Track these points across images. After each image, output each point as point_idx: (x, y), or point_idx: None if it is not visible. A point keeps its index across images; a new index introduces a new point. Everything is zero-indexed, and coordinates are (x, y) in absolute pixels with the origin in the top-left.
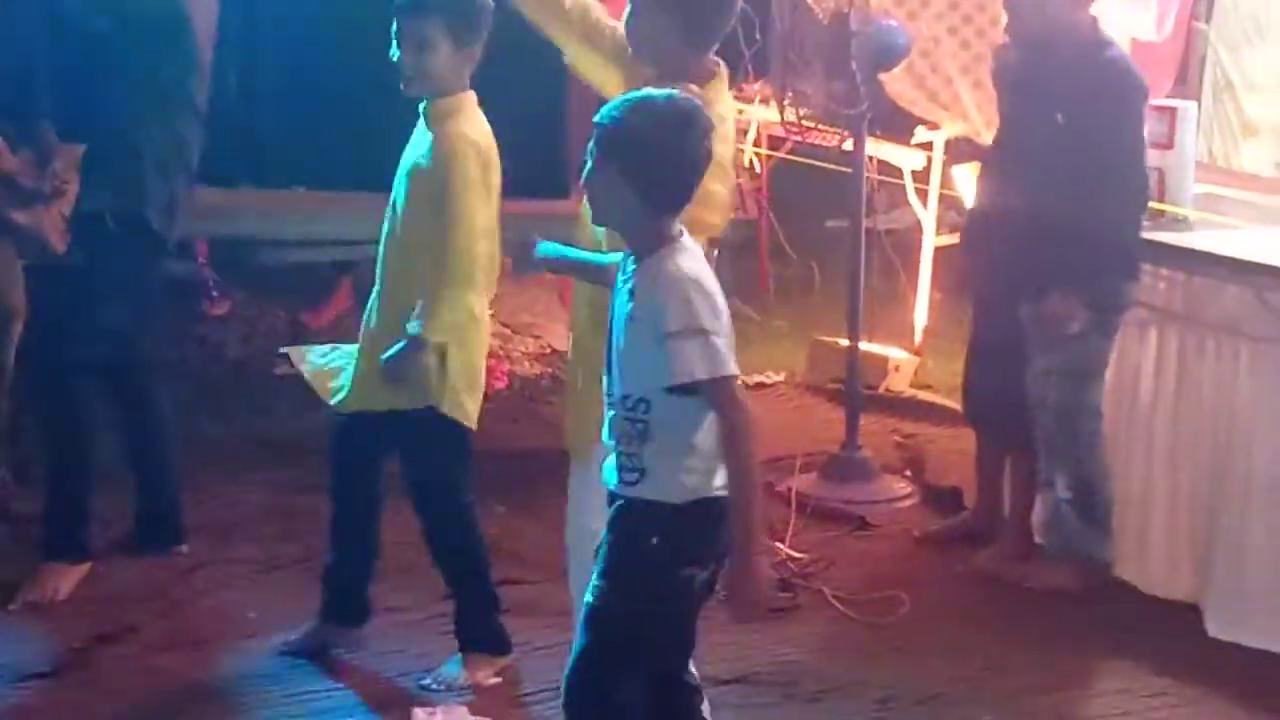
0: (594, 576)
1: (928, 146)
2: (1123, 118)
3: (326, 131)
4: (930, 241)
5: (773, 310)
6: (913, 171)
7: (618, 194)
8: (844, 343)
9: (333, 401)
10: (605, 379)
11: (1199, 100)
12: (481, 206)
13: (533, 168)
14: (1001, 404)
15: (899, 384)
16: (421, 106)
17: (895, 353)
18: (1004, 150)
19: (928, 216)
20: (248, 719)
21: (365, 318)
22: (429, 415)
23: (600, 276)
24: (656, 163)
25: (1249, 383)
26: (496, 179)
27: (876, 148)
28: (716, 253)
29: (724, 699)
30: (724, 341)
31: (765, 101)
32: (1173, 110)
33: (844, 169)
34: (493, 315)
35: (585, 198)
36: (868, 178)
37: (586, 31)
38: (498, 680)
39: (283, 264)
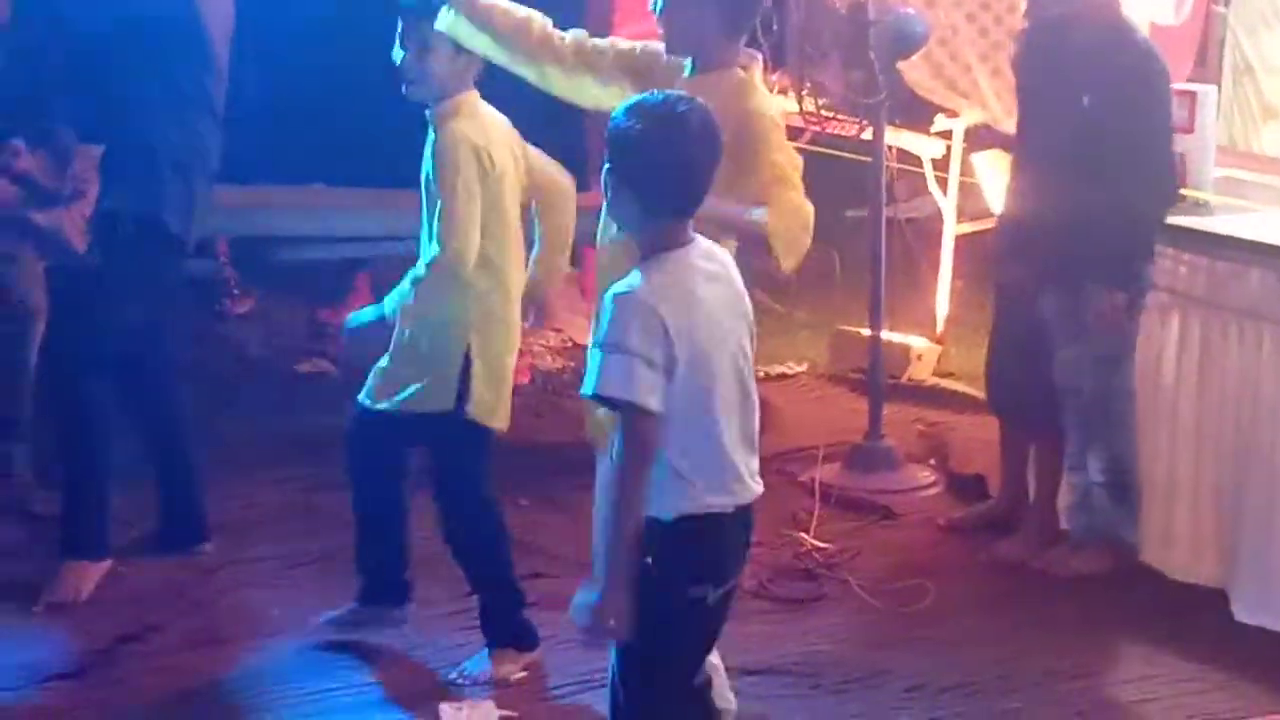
0: None
1: (947, 135)
2: (1150, 101)
3: (345, 129)
4: (951, 229)
5: (794, 300)
6: (932, 159)
7: (621, 197)
8: (866, 332)
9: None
10: None
11: (1219, 84)
12: (477, 208)
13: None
14: (1026, 391)
15: (922, 373)
16: (428, 111)
17: (917, 341)
18: (1029, 138)
19: (948, 204)
20: (273, 717)
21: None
22: (454, 416)
23: None
24: (645, 165)
25: (1272, 366)
26: (513, 174)
27: (895, 136)
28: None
29: (751, 690)
30: (648, 368)
31: (784, 92)
32: (1193, 94)
33: (863, 158)
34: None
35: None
36: (887, 166)
37: (585, 59)
38: (524, 675)
39: (303, 261)
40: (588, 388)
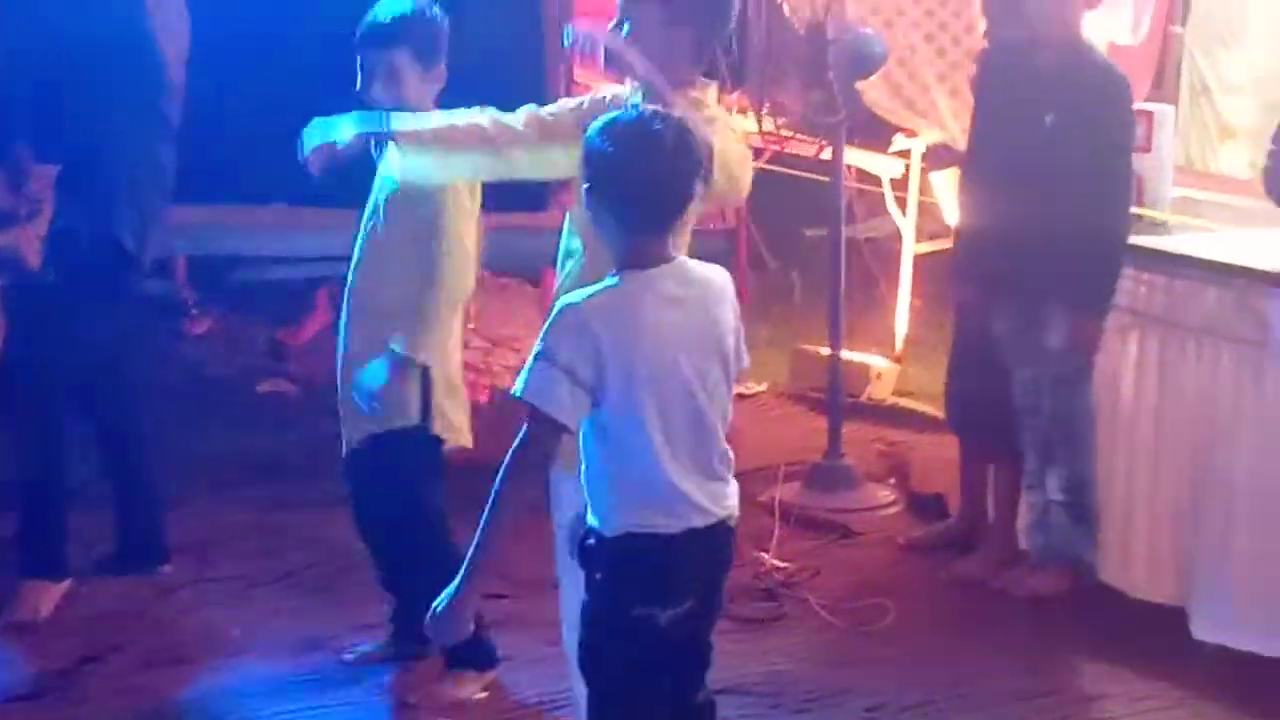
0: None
1: (905, 154)
2: (1113, 118)
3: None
4: (910, 249)
5: (753, 319)
6: (891, 179)
7: (599, 215)
8: (825, 351)
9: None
10: None
11: (1176, 104)
12: (471, 229)
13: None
14: (985, 411)
15: (881, 392)
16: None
17: (877, 361)
18: (987, 157)
19: (907, 224)
20: None
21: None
22: (415, 435)
23: None
24: (621, 183)
25: (1230, 385)
26: (477, 196)
27: (854, 156)
28: None
29: None
30: (571, 383)
31: (743, 111)
32: (1150, 114)
33: (822, 178)
34: (474, 330)
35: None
36: (846, 186)
37: (547, 132)
38: (484, 695)
39: (261, 281)
40: (516, 389)
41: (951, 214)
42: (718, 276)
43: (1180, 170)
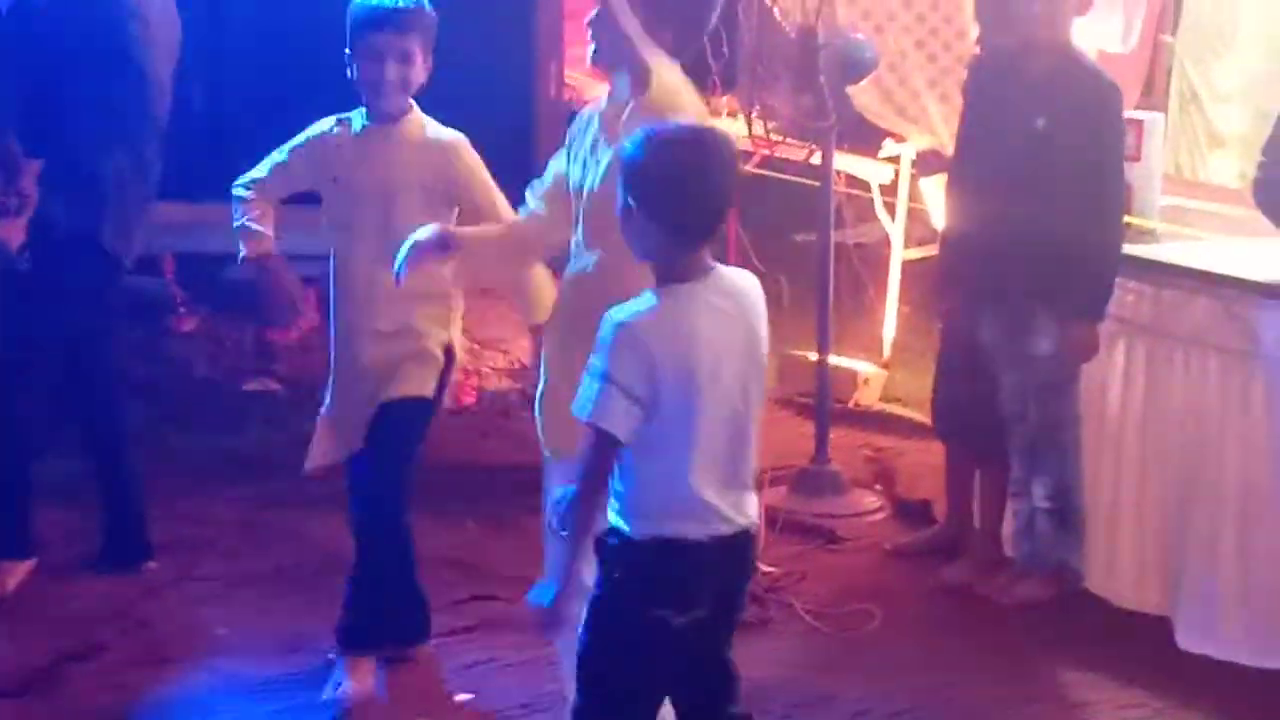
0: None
1: (895, 160)
2: (1103, 124)
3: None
4: (898, 255)
5: None
6: (880, 185)
7: (645, 229)
8: (813, 357)
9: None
10: None
11: (1165, 112)
12: None
13: (502, 178)
14: (972, 418)
15: (868, 398)
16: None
17: (864, 366)
18: (975, 163)
19: (896, 230)
20: None
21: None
22: (427, 404)
23: None
24: (672, 196)
25: (1218, 394)
26: None
27: (844, 161)
28: None
29: None
30: (628, 399)
31: (733, 115)
32: (1140, 122)
33: (812, 182)
34: (463, 331)
35: None
36: (835, 191)
37: (556, 208)
38: (470, 696)
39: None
40: (581, 411)
41: (940, 218)
42: (752, 286)
43: (1169, 179)
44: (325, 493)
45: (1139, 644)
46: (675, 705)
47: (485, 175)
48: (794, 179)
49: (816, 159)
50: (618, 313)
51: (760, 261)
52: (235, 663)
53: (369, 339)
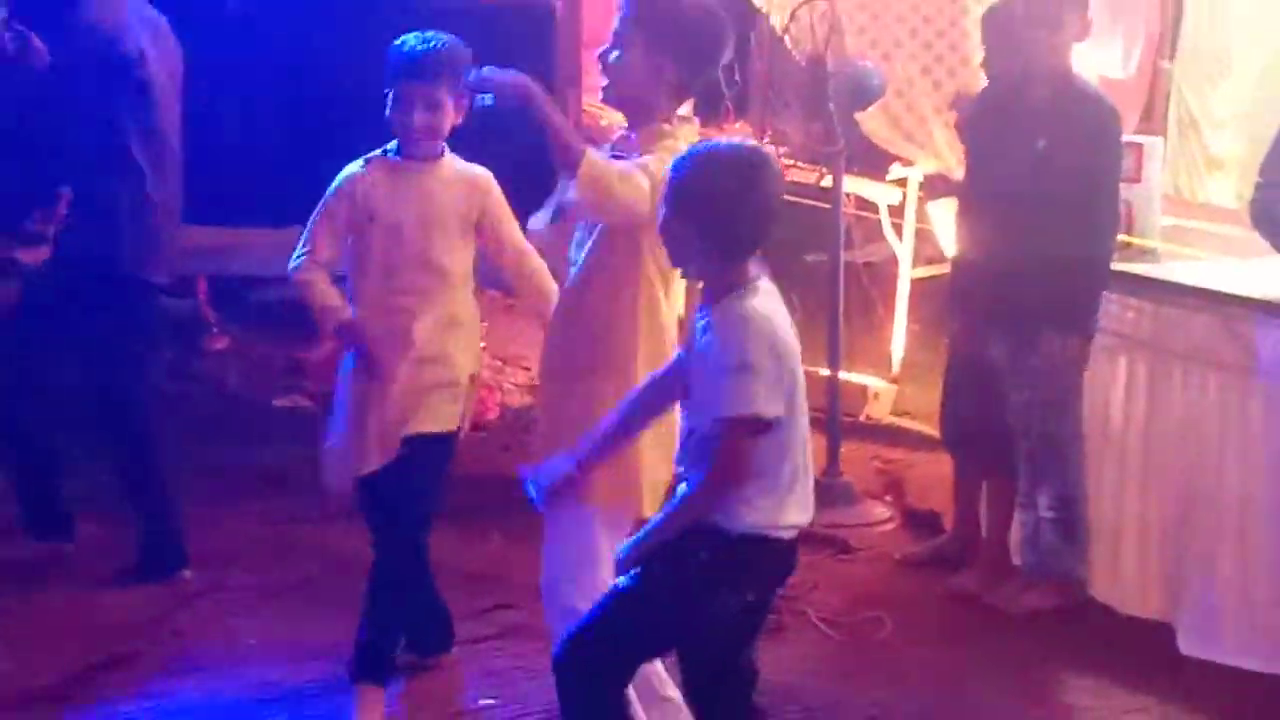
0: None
1: (903, 183)
2: (1102, 143)
3: (318, 176)
4: (906, 274)
5: None
6: (888, 206)
7: (693, 244)
8: (824, 372)
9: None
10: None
11: (1164, 136)
12: None
13: (525, 196)
14: (979, 431)
15: (878, 411)
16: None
17: (874, 381)
18: (986, 188)
19: (903, 250)
20: None
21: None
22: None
23: None
24: (728, 214)
25: (1217, 409)
26: None
27: (853, 184)
28: None
29: None
30: (764, 382)
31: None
32: (1139, 146)
33: (822, 204)
34: (484, 347)
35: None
36: (845, 213)
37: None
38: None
39: (278, 300)
40: (722, 411)
41: (947, 241)
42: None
43: (1169, 200)
44: (350, 507)
45: (1142, 650)
46: (697, 693)
47: (509, 210)
48: (805, 201)
49: (827, 182)
50: (740, 311)
51: (773, 280)
52: (264, 671)
53: (402, 365)
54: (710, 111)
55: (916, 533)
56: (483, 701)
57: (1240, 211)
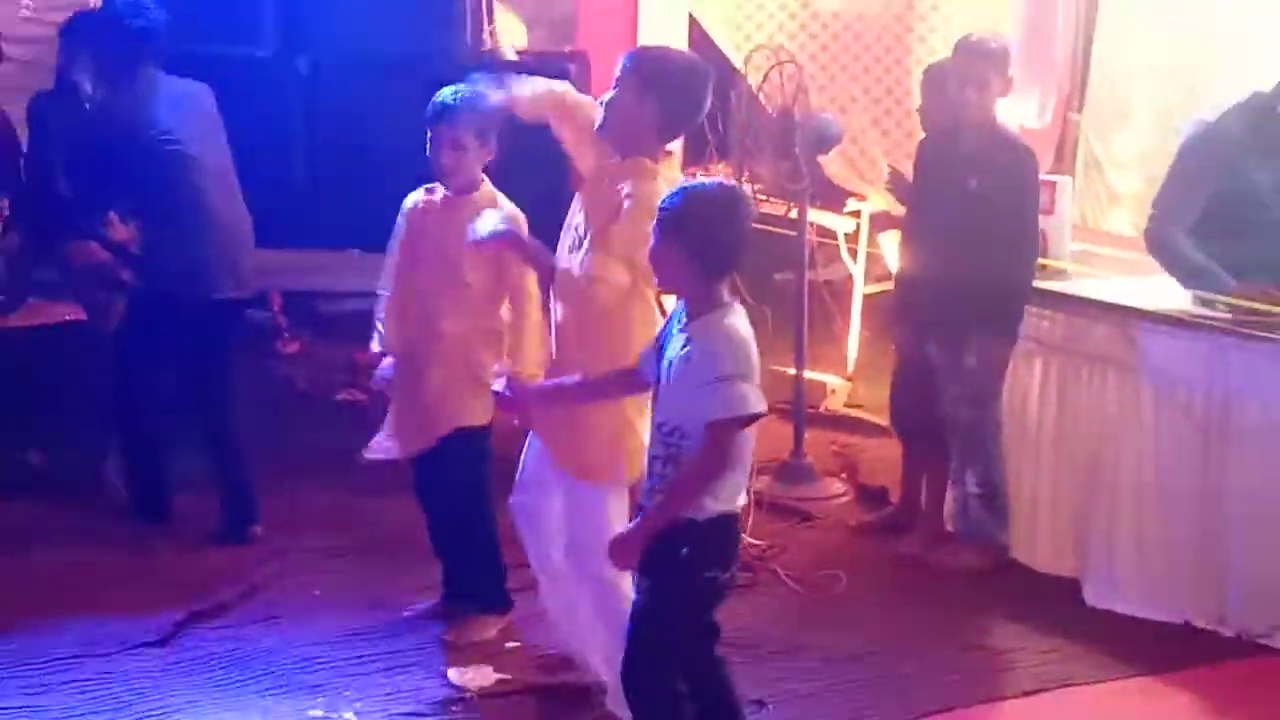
0: (638, 578)
1: (857, 214)
2: (1024, 183)
3: (377, 202)
4: (859, 290)
5: None
6: (845, 234)
7: (681, 266)
8: (791, 371)
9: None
10: (651, 409)
11: (1073, 175)
12: None
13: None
14: (920, 421)
15: (835, 404)
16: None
17: (832, 379)
18: (923, 218)
19: (857, 270)
20: (315, 676)
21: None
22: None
23: None
24: (711, 240)
25: (1116, 403)
26: None
27: (816, 215)
28: None
29: None
30: (751, 384)
31: (727, 178)
32: (1053, 183)
33: (790, 232)
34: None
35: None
36: (809, 239)
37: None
38: (516, 645)
39: (341, 311)
40: (721, 414)
41: (893, 263)
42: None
43: (1077, 228)
44: (399, 481)
45: (1055, 602)
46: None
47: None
48: (776, 230)
49: (794, 214)
50: (724, 327)
51: (750, 297)
52: (329, 619)
53: (435, 366)
54: (698, 154)
55: (868, 505)
56: (509, 645)
57: (1136, 239)
